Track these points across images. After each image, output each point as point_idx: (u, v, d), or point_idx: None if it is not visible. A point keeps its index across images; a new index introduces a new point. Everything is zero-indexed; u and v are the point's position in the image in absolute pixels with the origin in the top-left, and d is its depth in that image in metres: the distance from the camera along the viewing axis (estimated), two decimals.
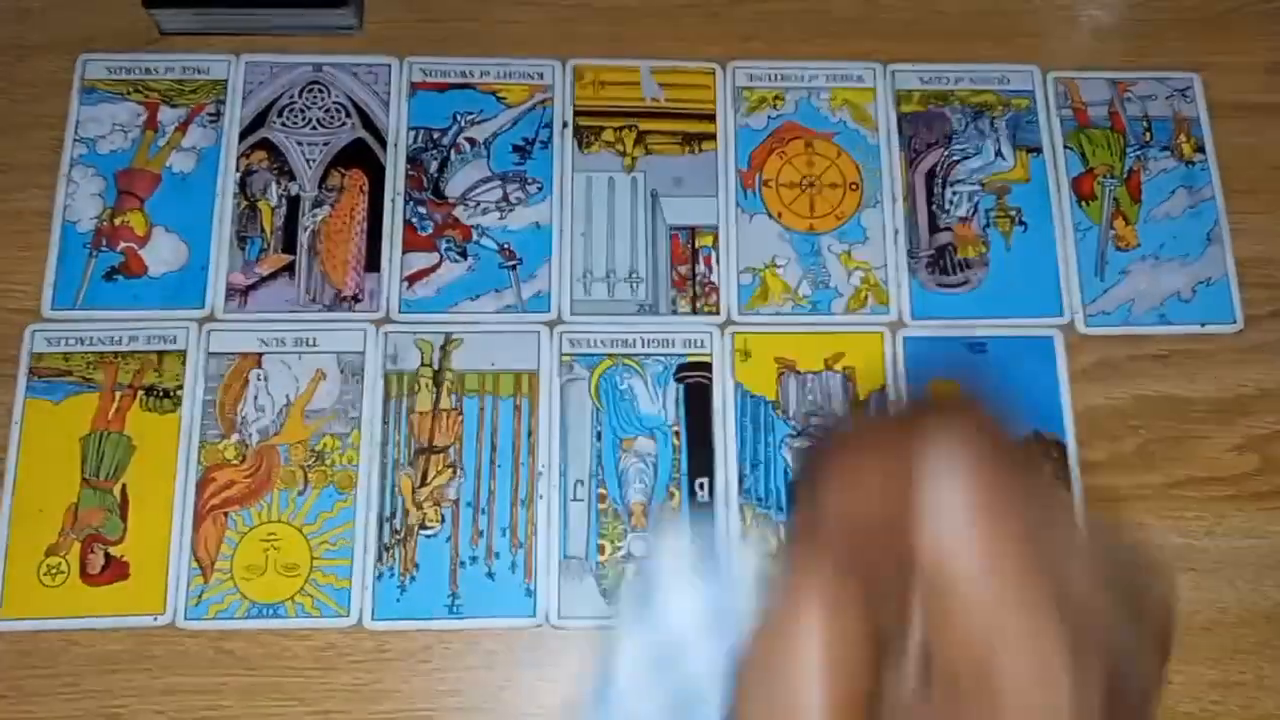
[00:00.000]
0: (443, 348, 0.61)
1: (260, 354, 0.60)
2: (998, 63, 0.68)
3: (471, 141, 0.65)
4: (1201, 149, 0.67)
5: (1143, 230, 0.65)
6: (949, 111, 0.67)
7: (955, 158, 0.66)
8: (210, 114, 0.65)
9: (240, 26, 0.67)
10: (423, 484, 0.59)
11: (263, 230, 0.63)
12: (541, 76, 0.67)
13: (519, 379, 0.61)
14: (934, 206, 0.65)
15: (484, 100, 0.66)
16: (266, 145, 0.65)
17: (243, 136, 0.65)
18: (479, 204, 0.64)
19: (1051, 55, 0.69)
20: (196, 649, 0.56)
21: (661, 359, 0.61)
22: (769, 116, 0.67)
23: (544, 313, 0.62)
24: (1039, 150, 0.66)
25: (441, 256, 0.63)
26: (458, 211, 0.64)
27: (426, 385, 0.60)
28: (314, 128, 0.65)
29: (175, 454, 0.58)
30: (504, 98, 0.66)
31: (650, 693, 0.27)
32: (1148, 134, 0.67)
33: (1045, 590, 0.19)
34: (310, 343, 0.61)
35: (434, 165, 0.65)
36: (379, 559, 0.57)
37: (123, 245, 0.62)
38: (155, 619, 0.56)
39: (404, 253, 0.63)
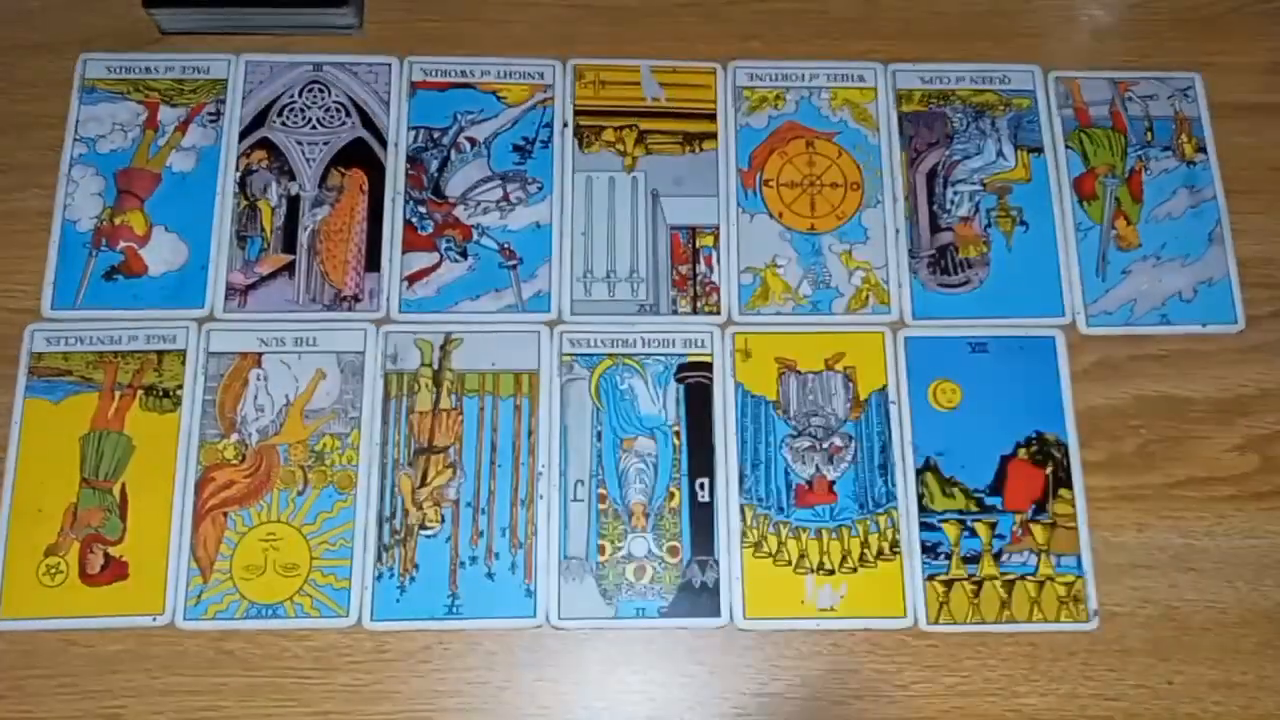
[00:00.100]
0: (443, 347, 0.61)
1: (260, 354, 0.60)
2: (999, 62, 0.68)
3: (472, 141, 0.65)
4: (1203, 149, 0.67)
5: (1144, 230, 0.65)
6: (950, 111, 0.67)
7: (956, 157, 0.66)
8: (210, 113, 0.65)
9: (240, 26, 0.67)
10: (422, 484, 0.59)
11: (263, 230, 0.63)
12: (542, 76, 0.67)
13: (519, 379, 0.61)
14: (935, 206, 0.65)
15: (484, 100, 0.66)
16: (266, 145, 0.65)
17: (243, 136, 0.65)
18: (479, 203, 0.64)
19: (1052, 55, 0.69)
20: (196, 649, 0.56)
21: (662, 359, 0.61)
22: (770, 116, 0.67)
23: (544, 312, 0.62)
24: (1040, 150, 0.66)
25: (441, 256, 0.63)
26: (458, 211, 0.64)
27: (426, 385, 0.60)
28: (314, 127, 0.65)
29: (175, 454, 0.58)
30: (504, 97, 0.66)
31: None
32: (1149, 134, 0.67)
33: None
34: (310, 342, 0.61)
35: (434, 165, 0.65)
36: (378, 559, 0.57)
37: (123, 245, 0.62)
38: (154, 619, 0.56)
39: (404, 252, 0.63)
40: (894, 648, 0.57)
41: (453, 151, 0.65)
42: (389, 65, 0.67)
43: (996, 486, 0.60)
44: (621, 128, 0.66)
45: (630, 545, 0.58)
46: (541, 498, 0.58)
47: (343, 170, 0.64)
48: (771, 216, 0.65)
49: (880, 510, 0.59)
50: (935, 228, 0.65)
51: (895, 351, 0.62)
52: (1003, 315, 0.63)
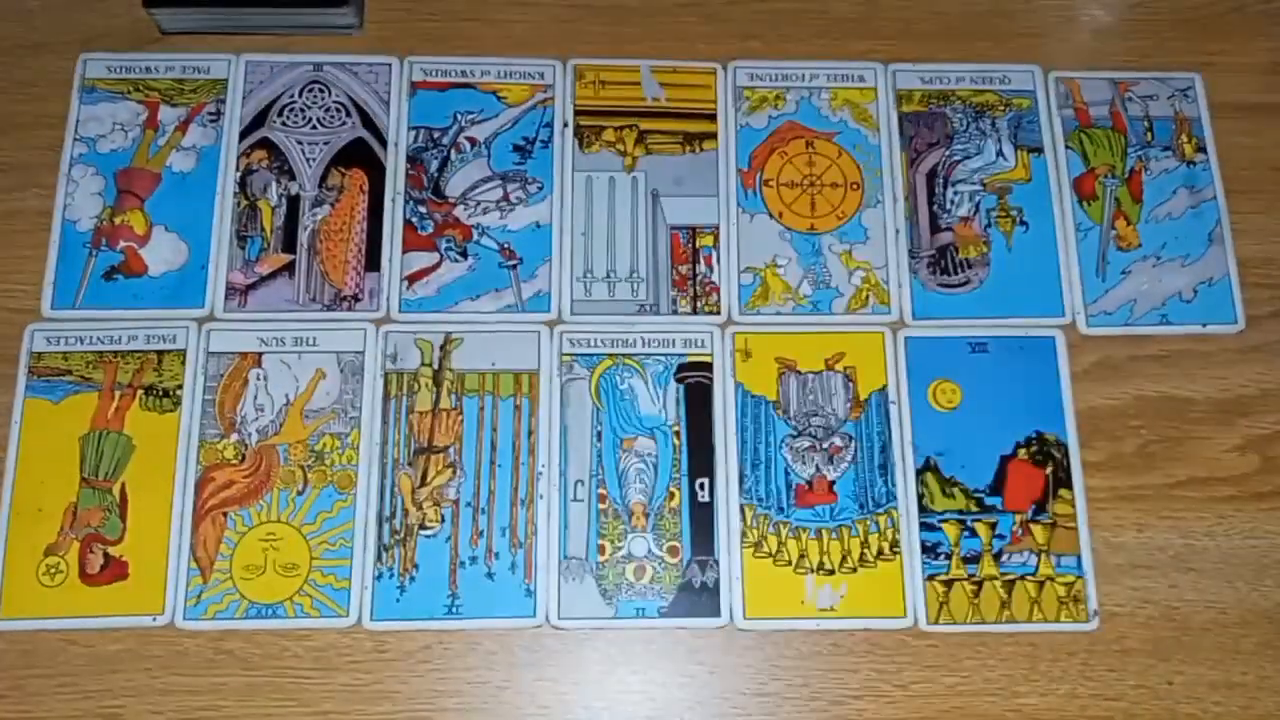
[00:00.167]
0: (442, 347, 0.61)
1: (260, 353, 0.60)
2: (999, 62, 0.68)
3: (472, 141, 0.65)
4: (1203, 149, 0.67)
5: (1144, 230, 0.65)
6: (950, 111, 0.67)
7: (956, 157, 0.66)
8: (210, 113, 0.65)
9: (240, 26, 0.67)
10: (422, 484, 0.59)
11: (263, 229, 0.63)
12: (542, 76, 0.67)
13: (519, 379, 0.60)
14: (935, 206, 0.65)
15: (484, 100, 0.66)
16: (267, 144, 0.65)
17: (243, 136, 0.65)
18: (479, 203, 0.64)
19: (1052, 55, 0.69)
20: (195, 649, 0.56)
21: (662, 359, 0.61)
22: (770, 116, 0.67)
23: (544, 312, 0.62)
24: (1040, 150, 0.66)
25: (441, 256, 0.63)
26: (458, 211, 0.64)
27: (426, 385, 0.60)
28: (314, 127, 0.65)
29: (174, 454, 0.58)
30: (504, 97, 0.66)
31: None
32: (1149, 134, 0.67)
33: None
34: (310, 342, 0.61)
35: (434, 165, 0.65)
36: (378, 559, 0.57)
37: (122, 244, 0.62)
38: (154, 619, 0.56)
39: (404, 252, 0.63)
40: (894, 648, 0.57)
41: (453, 151, 0.65)
42: (389, 65, 0.67)
43: (996, 486, 0.60)
44: (622, 128, 0.66)
45: (630, 545, 0.58)
46: (541, 498, 0.58)
47: (343, 170, 0.64)
48: (771, 216, 0.65)
49: (880, 510, 0.59)
50: (935, 228, 0.65)
51: (895, 351, 0.62)
52: (1003, 315, 0.63)
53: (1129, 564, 0.59)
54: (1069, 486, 0.60)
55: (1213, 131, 0.67)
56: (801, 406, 0.61)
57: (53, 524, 0.57)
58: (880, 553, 0.58)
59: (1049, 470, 0.60)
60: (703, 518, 0.59)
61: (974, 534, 0.59)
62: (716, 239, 0.64)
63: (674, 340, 0.62)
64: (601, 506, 0.59)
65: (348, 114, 0.66)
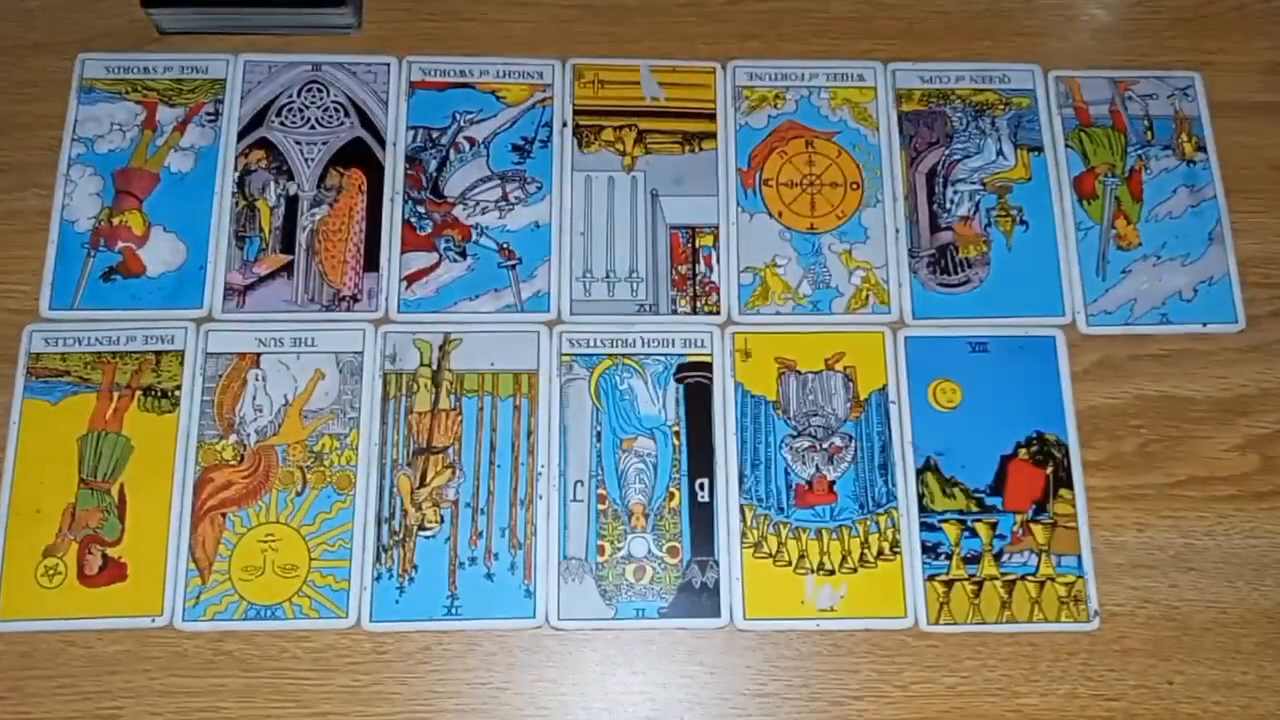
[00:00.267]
0: (441, 348, 0.61)
1: (258, 354, 0.60)
2: (999, 62, 0.68)
3: (471, 141, 0.65)
4: (1203, 148, 0.67)
5: (1144, 229, 0.65)
6: (950, 110, 0.67)
7: (956, 157, 0.66)
8: (209, 113, 0.65)
9: (239, 26, 0.67)
10: (421, 484, 0.58)
11: (261, 230, 0.63)
12: (541, 76, 0.67)
13: (518, 379, 0.60)
14: (935, 206, 0.65)
15: (483, 99, 0.66)
16: (265, 145, 0.65)
17: (241, 136, 0.65)
18: (478, 203, 0.64)
19: (1052, 54, 0.69)
20: (194, 650, 0.56)
21: (661, 359, 0.61)
22: (769, 116, 0.67)
23: (543, 312, 0.62)
24: (1040, 149, 0.66)
25: (440, 256, 0.63)
26: (457, 211, 0.64)
27: (425, 385, 0.60)
28: (313, 127, 0.65)
29: (173, 454, 0.58)
30: (503, 97, 0.66)
31: None
32: (1149, 133, 0.67)
33: None
34: (309, 343, 0.61)
35: (433, 164, 0.64)
36: (377, 560, 0.57)
37: (121, 245, 0.62)
38: (153, 620, 0.56)
39: (403, 252, 0.63)
40: (894, 648, 0.57)
41: (452, 151, 0.65)
42: (388, 65, 0.66)
43: (997, 486, 0.60)
44: (621, 127, 0.66)
45: (630, 546, 0.58)
46: (541, 498, 0.58)
47: (341, 170, 0.64)
48: (771, 216, 0.65)
49: (880, 510, 0.59)
50: (935, 227, 0.65)
51: (895, 351, 0.62)
52: (1003, 315, 0.63)
53: (1129, 564, 0.59)
54: (1069, 486, 0.60)
55: (1213, 131, 0.67)
56: (801, 406, 0.61)
57: (51, 525, 0.57)
58: (880, 553, 0.58)
59: (1049, 470, 0.60)
60: (703, 518, 0.59)
61: (974, 534, 0.59)
62: (716, 239, 0.64)
63: (674, 340, 0.62)
64: (601, 507, 0.59)
65: (346, 114, 0.65)
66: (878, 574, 0.58)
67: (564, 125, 0.66)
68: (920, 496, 0.59)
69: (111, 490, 0.57)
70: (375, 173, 0.64)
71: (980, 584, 0.58)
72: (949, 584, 0.58)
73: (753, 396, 0.61)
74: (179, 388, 0.59)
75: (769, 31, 0.69)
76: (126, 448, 0.58)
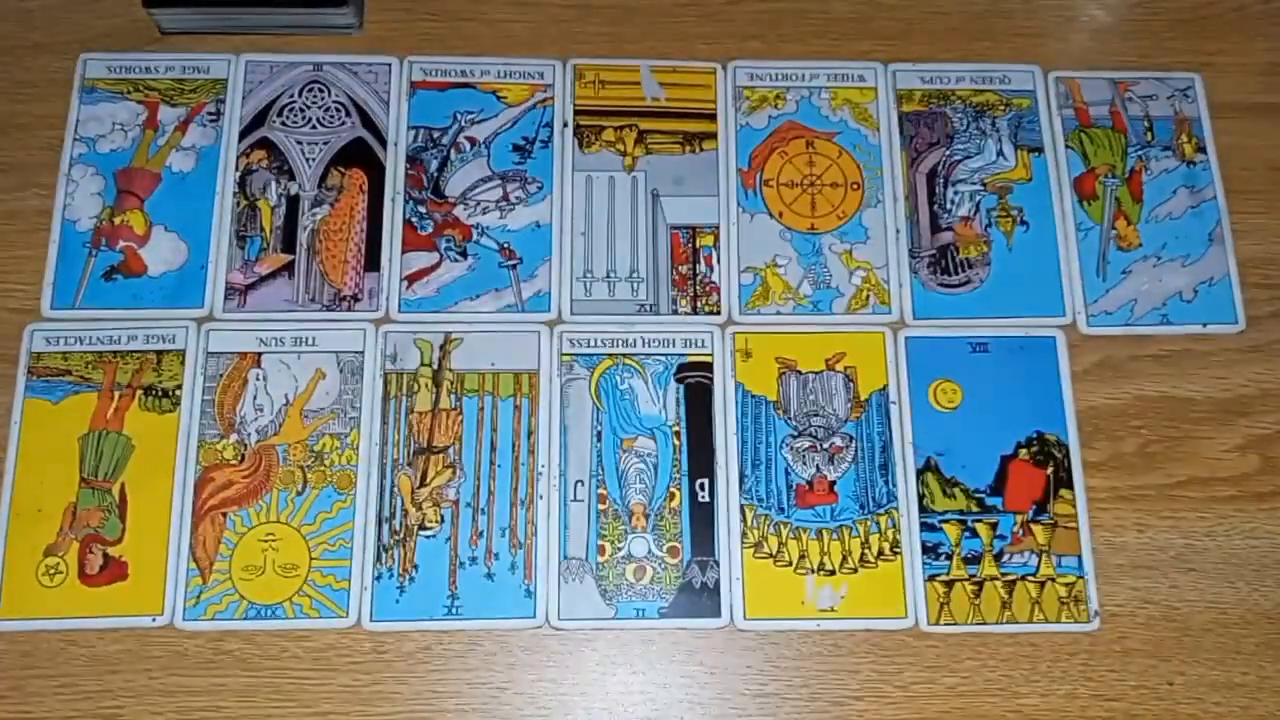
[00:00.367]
0: (442, 347, 0.61)
1: (259, 353, 0.60)
2: (999, 62, 0.68)
3: (471, 141, 0.65)
4: (1203, 149, 0.67)
5: (1144, 230, 0.65)
6: (950, 111, 0.67)
7: (957, 157, 0.66)
8: (210, 113, 0.65)
9: (240, 26, 0.67)
10: (422, 484, 0.58)
11: (262, 229, 0.63)
12: (542, 76, 0.67)
13: (519, 379, 0.60)
14: (935, 206, 0.65)
15: (484, 99, 0.66)
16: (266, 144, 0.65)
17: (242, 136, 0.65)
18: (479, 203, 0.64)
19: (1052, 55, 0.69)
20: (195, 650, 0.56)
21: (662, 359, 0.61)
22: (770, 116, 0.67)
23: (544, 312, 0.62)
24: (1040, 150, 0.66)
25: (441, 256, 0.63)
26: (458, 211, 0.64)
27: (426, 385, 0.60)
28: (314, 127, 0.65)
29: (174, 454, 0.58)
30: (504, 97, 0.66)
31: None
32: (1149, 133, 0.67)
33: None
34: (309, 342, 0.61)
35: (434, 164, 0.65)
36: (378, 559, 0.57)
37: (122, 244, 0.62)
38: (154, 620, 0.56)
39: (404, 252, 0.63)
40: (894, 648, 0.57)
41: (452, 151, 0.65)
42: (389, 65, 0.67)
43: (997, 487, 0.60)
44: (621, 127, 0.66)
45: (630, 546, 0.58)
46: (541, 498, 0.58)
47: (342, 170, 0.64)
48: (772, 216, 0.65)
49: (881, 511, 0.59)
50: (936, 227, 0.65)
51: (896, 351, 0.62)
52: (1003, 315, 0.63)
53: (1130, 564, 0.59)
54: (1070, 487, 0.60)
55: (1213, 131, 0.67)
56: (802, 406, 0.61)
57: (52, 524, 0.57)
58: (881, 553, 0.58)
59: (1050, 470, 0.60)
60: (703, 518, 0.59)
61: (975, 534, 0.59)
62: (716, 239, 0.64)
63: (674, 340, 0.62)
64: (601, 507, 0.59)
65: (347, 114, 0.65)
66: (878, 574, 0.58)
67: (565, 125, 0.66)
68: (921, 497, 0.59)
69: (112, 490, 0.57)
70: (376, 172, 0.64)
71: (980, 584, 0.58)
72: (949, 584, 0.58)
73: (753, 396, 0.61)
74: (180, 387, 0.59)
75: (769, 32, 0.69)
76: (127, 447, 0.58)
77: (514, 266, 0.63)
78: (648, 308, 0.62)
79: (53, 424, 0.58)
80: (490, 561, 0.57)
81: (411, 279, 0.62)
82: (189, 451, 0.58)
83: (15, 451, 0.58)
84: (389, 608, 0.56)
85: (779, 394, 0.61)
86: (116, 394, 0.59)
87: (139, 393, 0.59)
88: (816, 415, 0.61)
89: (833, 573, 0.58)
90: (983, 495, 0.59)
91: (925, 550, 0.58)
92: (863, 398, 0.61)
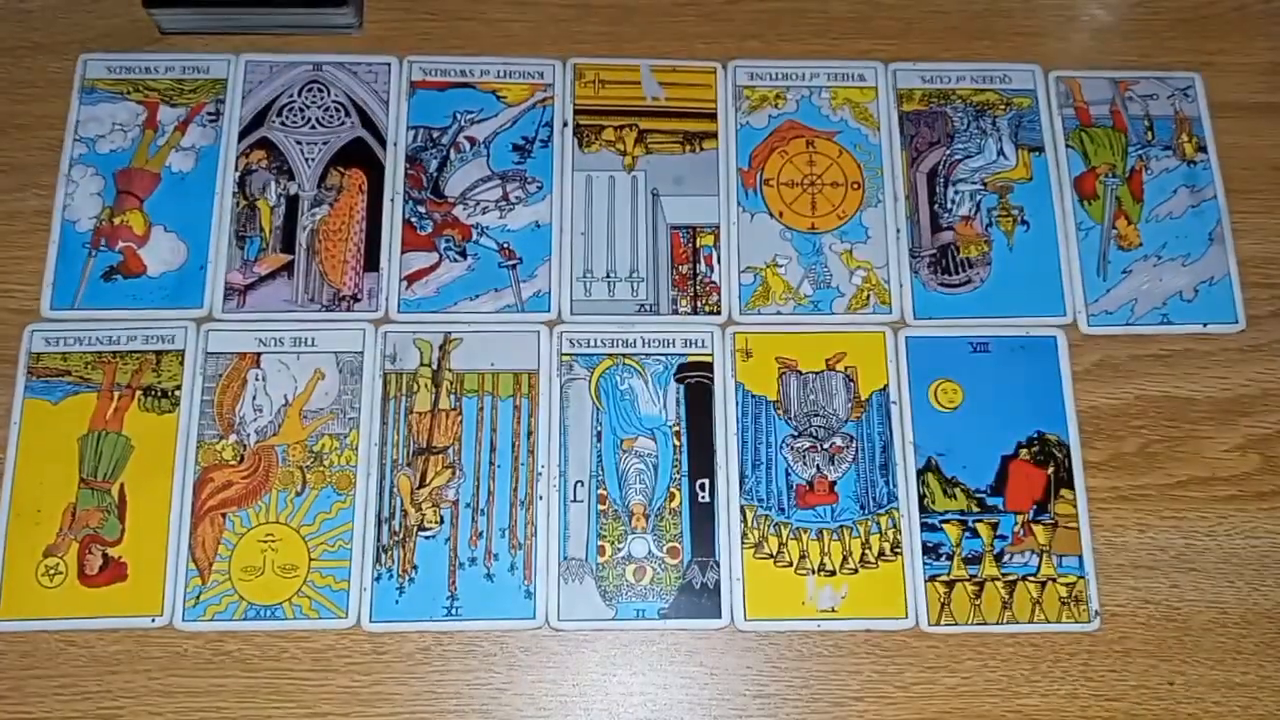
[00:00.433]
0: (442, 347, 0.61)
1: (258, 354, 0.60)
2: (999, 62, 0.68)
3: (471, 140, 0.65)
4: (1203, 148, 0.67)
5: (1145, 230, 0.65)
6: (951, 110, 0.67)
7: (957, 157, 0.66)
8: (210, 113, 0.65)
9: (240, 26, 0.67)
10: (421, 485, 0.58)
11: (261, 230, 0.63)
12: (542, 75, 0.67)
13: (518, 379, 0.60)
14: (936, 205, 0.65)
15: (484, 99, 0.66)
16: (266, 144, 0.65)
17: (242, 136, 0.65)
18: (478, 203, 0.64)
19: (1053, 54, 0.69)
20: (194, 650, 0.56)
21: (662, 359, 0.61)
22: (770, 115, 0.67)
23: (544, 312, 0.62)
24: (1041, 149, 0.66)
25: (441, 256, 0.63)
26: (457, 211, 0.64)
27: (425, 385, 0.60)
28: (313, 127, 0.65)
29: (173, 454, 0.58)
30: (504, 96, 0.66)
31: None
32: (1149, 133, 0.67)
33: None
34: (309, 342, 0.61)
35: (433, 164, 0.64)
36: (377, 560, 0.57)
37: (121, 245, 0.62)
38: (153, 620, 0.56)
39: (403, 252, 0.63)
40: (895, 649, 0.57)
41: (452, 151, 0.65)
42: (388, 65, 0.66)
43: (998, 487, 0.59)
44: (621, 127, 0.66)
45: (630, 546, 0.58)
46: (541, 498, 0.58)
47: (342, 170, 0.64)
48: (772, 216, 0.65)
49: (881, 511, 0.59)
50: (936, 227, 0.65)
51: (896, 351, 0.62)
52: (1004, 315, 0.63)
53: (1130, 564, 0.59)
54: (1070, 486, 0.60)
55: (1213, 131, 0.67)
56: (802, 406, 0.61)
57: (51, 525, 0.57)
58: (881, 553, 0.58)
59: (1050, 470, 0.60)
60: (703, 518, 0.59)
61: (975, 534, 0.59)
62: (717, 239, 0.64)
63: (674, 340, 0.62)
64: (601, 507, 0.58)
65: (347, 114, 0.65)
66: (878, 574, 0.58)
67: (564, 125, 0.66)
68: (921, 497, 0.59)
69: (112, 490, 0.57)
70: (376, 172, 0.64)
71: (981, 584, 0.58)
72: (950, 584, 0.58)
73: (753, 396, 0.61)
74: (179, 387, 0.59)
75: (769, 31, 0.69)
76: (127, 447, 0.58)
77: (514, 266, 0.63)
78: (648, 308, 0.62)
79: (52, 424, 0.58)
80: (490, 562, 0.57)
81: (411, 279, 0.62)
82: (188, 452, 0.58)
83: (15, 452, 0.58)
84: (388, 608, 0.56)
85: (779, 394, 0.61)
86: (116, 394, 0.59)
87: (138, 393, 0.59)
88: (817, 415, 0.61)
89: (833, 573, 0.58)
90: (983, 495, 0.59)
91: (926, 550, 0.58)
92: (863, 398, 0.61)
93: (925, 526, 0.59)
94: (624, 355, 0.61)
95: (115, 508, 0.57)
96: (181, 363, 0.60)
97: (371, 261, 0.62)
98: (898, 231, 0.65)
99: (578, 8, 0.69)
